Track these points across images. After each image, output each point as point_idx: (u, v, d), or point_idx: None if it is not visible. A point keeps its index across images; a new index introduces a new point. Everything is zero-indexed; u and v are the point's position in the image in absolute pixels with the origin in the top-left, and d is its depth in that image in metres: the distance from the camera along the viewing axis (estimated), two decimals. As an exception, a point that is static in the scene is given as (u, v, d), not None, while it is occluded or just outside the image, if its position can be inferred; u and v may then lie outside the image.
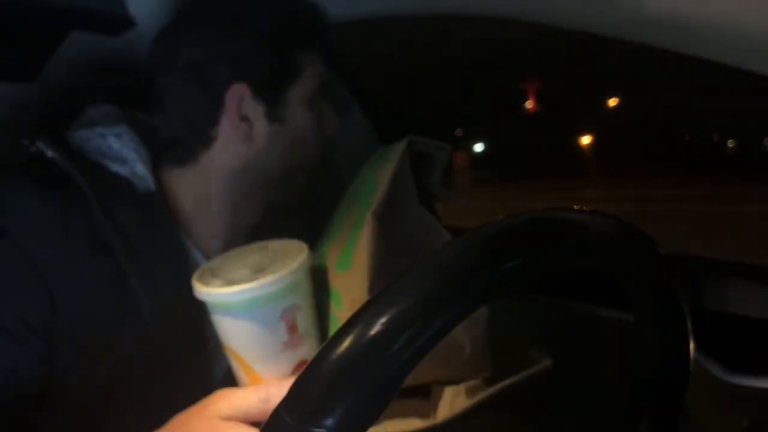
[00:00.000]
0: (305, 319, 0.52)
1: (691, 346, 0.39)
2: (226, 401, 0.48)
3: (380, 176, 0.63)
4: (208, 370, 0.69)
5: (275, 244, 0.58)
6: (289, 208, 0.78)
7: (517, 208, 0.33)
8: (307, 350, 0.53)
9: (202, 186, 0.70)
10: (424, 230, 0.64)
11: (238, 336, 0.51)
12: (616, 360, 0.55)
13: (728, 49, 0.51)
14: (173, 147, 0.70)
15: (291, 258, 0.52)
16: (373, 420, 0.25)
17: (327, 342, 0.26)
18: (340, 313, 0.56)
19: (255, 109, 0.69)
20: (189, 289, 0.55)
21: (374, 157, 0.72)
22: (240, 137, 0.69)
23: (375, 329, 0.25)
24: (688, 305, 0.38)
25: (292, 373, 0.52)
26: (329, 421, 0.24)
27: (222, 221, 0.71)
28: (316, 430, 0.24)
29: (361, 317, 0.26)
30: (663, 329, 0.37)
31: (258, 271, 0.50)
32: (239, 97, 0.68)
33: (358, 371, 0.24)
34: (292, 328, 0.51)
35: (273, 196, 0.74)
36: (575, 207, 0.36)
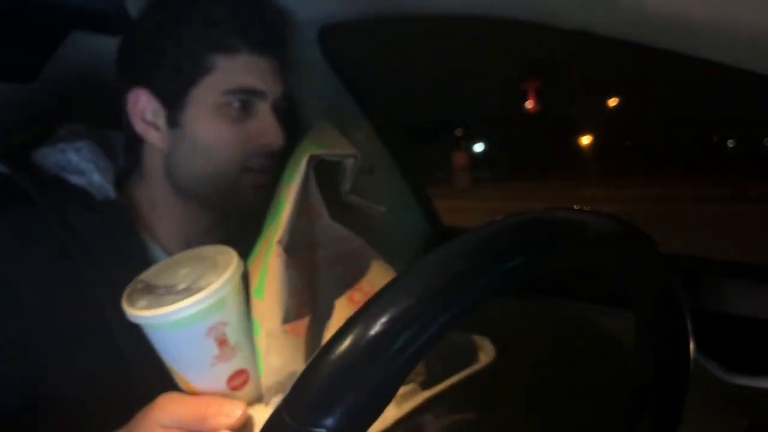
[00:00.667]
0: (236, 332, 0.52)
1: (691, 346, 0.39)
2: (165, 410, 0.49)
3: (286, 196, 0.60)
4: None
5: (210, 251, 0.57)
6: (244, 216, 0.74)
7: (517, 208, 0.33)
8: (242, 360, 0.53)
9: (148, 190, 0.71)
10: (336, 242, 0.62)
11: (169, 352, 0.52)
12: (616, 360, 0.55)
13: (728, 49, 0.51)
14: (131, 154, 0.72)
15: (219, 272, 0.51)
16: (373, 420, 0.25)
17: (327, 342, 0.26)
18: (259, 340, 0.54)
19: (158, 113, 0.68)
20: None
21: (287, 170, 0.65)
22: (153, 141, 0.69)
23: (375, 329, 0.25)
24: (688, 305, 0.38)
25: (228, 383, 0.52)
26: (329, 421, 0.24)
27: (172, 225, 0.72)
28: (315, 430, 0.24)
29: (361, 317, 0.26)
30: (663, 329, 0.37)
31: (186, 287, 0.51)
32: (141, 102, 0.68)
33: (358, 371, 0.24)
34: (222, 343, 0.51)
35: (202, 201, 0.70)
36: (575, 207, 0.36)
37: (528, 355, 0.92)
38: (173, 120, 0.67)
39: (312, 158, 0.61)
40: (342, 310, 0.58)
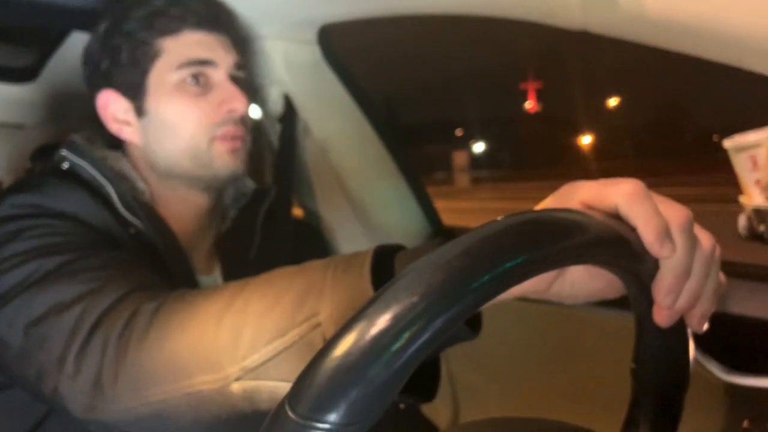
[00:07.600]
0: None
1: (691, 346, 0.39)
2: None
3: None
4: None
5: None
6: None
7: (517, 208, 0.33)
8: None
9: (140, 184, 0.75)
10: None
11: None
12: (616, 360, 0.55)
13: (728, 49, 0.51)
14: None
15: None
16: (376, 416, 0.25)
17: (331, 338, 0.26)
18: None
19: (126, 110, 0.73)
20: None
21: None
22: (128, 138, 0.74)
23: (378, 327, 0.25)
24: (689, 305, 0.38)
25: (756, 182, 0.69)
26: (332, 417, 0.24)
27: (165, 215, 0.74)
28: (319, 425, 0.24)
29: (364, 315, 0.26)
30: (663, 329, 0.37)
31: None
32: (110, 103, 0.73)
33: (361, 368, 0.25)
34: (755, 163, 0.67)
35: (185, 179, 0.74)
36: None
37: (528, 355, 0.92)
38: (141, 110, 0.72)
39: None
40: None
